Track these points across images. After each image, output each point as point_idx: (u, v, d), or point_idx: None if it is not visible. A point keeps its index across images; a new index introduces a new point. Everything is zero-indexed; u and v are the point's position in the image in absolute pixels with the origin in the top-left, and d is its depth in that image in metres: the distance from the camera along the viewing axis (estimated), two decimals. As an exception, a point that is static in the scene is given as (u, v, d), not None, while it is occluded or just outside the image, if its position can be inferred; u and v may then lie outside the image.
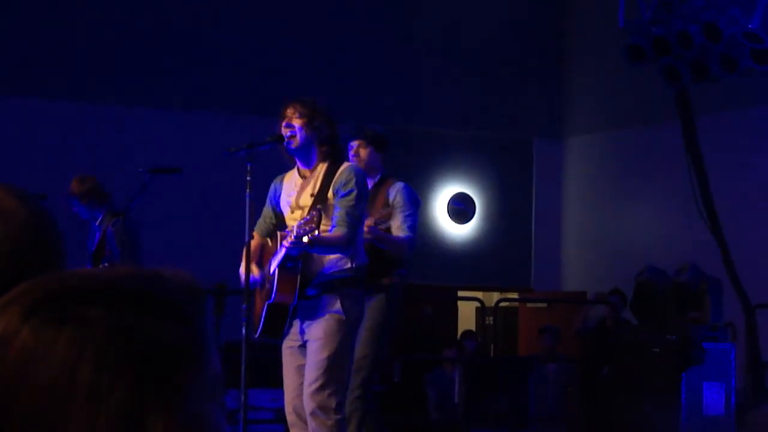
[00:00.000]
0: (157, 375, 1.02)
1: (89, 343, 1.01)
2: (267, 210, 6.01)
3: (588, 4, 14.73)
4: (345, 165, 5.80)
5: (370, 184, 6.74)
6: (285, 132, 5.74)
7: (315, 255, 5.64)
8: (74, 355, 1.01)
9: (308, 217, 5.43)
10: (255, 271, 5.85)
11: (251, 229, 5.92)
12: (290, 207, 5.82)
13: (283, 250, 5.56)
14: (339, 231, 5.61)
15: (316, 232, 5.35)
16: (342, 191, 5.68)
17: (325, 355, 5.57)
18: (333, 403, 5.56)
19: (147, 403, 1.01)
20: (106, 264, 7.54)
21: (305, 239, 5.34)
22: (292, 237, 5.42)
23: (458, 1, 14.60)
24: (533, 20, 15.07)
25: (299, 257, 5.59)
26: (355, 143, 6.90)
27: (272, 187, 6.01)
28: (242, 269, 5.88)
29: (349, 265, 5.69)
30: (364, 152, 6.84)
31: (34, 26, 12.77)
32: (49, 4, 12.88)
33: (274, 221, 5.94)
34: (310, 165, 5.81)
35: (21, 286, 1.07)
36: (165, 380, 1.02)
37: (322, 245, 5.57)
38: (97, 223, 7.85)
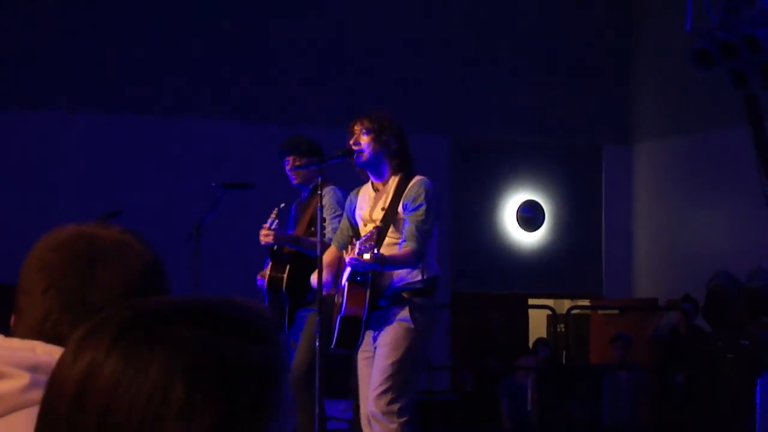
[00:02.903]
0: (245, 393, 1.05)
1: (180, 363, 1.04)
2: (344, 222, 6.09)
3: (656, 9, 14.65)
4: (416, 179, 5.83)
5: (306, 192, 6.90)
6: (354, 148, 5.82)
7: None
8: (166, 376, 1.03)
9: (368, 234, 5.51)
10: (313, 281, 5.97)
11: (322, 241, 6.00)
12: (363, 220, 5.89)
13: (347, 266, 5.65)
14: (408, 246, 5.67)
15: (375, 250, 5.43)
16: (411, 206, 5.73)
17: (390, 360, 5.64)
18: (396, 407, 5.62)
19: (237, 421, 1.04)
20: None
21: (366, 256, 5.42)
22: (354, 252, 5.51)
23: (527, 8, 14.60)
24: (601, 27, 15.02)
25: (367, 272, 5.66)
26: (289, 159, 6.97)
27: (348, 200, 6.09)
28: (313, 279, 5.97)
29: (419, 277, 5.74)
30: (300, 164, 6.92)
31: (112, 42, 12.98)
32: (132, 21, 13.08)
33: (350, 233, 6.00)
34: (381, 178, 5.87)
35: (105, 313, 1.10)
36: (253, 398, 1.06)
37: (392, 264, 5.63)
38: None
